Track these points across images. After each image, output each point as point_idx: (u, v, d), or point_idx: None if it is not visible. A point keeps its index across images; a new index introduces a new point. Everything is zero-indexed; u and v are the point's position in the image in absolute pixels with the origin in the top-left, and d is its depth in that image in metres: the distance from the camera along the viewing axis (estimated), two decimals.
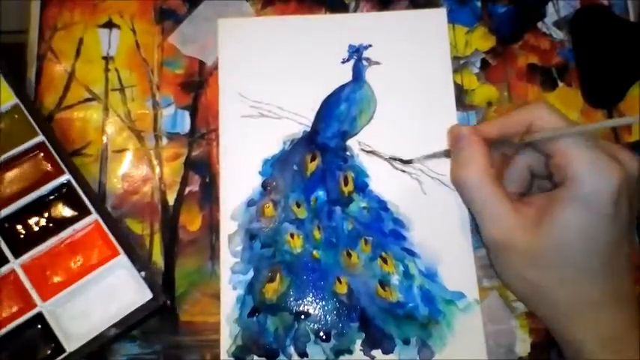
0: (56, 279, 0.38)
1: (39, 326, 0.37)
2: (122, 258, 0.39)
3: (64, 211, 0.40)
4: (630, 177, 0.32)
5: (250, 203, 0.41)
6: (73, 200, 0.40)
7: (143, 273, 0.39)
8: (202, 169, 0.43)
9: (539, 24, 0.46)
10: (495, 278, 0.40)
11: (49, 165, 0.41)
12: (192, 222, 0.41)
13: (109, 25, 0.45)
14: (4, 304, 0.38)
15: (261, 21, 0.45)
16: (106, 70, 0.44)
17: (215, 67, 0.44)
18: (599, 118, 0.44)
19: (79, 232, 0.39)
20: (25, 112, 0.41)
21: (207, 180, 0.42)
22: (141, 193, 0.42)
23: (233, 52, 0.44)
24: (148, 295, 0.38)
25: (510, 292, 0.38)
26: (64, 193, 0.40)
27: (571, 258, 0.32)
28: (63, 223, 0.40)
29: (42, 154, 0.41)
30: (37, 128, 0.41)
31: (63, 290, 0.38)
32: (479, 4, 0.46)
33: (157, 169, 0.43)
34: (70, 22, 0.45)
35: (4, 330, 0.37)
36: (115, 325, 0.37)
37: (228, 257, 0.40)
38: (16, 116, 0.41)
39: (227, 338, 0.39)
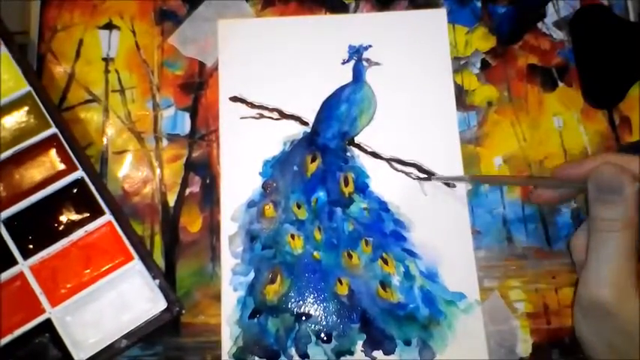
0: (66, 284, 0.36)
1: (47, 334, 0.36)
2: (136, 263, 0.37)
3: (76, 210, 0.38)
4: None
5: (251, 204, 0.41)
6: (85, 199, 0.38)
7: (158, 281, 0.37)
8: (203, 171, 0.42)
9: (539, 24, 0.46)
10: (496, 278, 0.40)
11: (62, 160, 0.38)
12: (192, 223, 0.41)
13: (109, 26, 0.45)
14: (10, 308, 0.35)
15: (261, 22, 0.45)
16: (106, 71, 0.44)
17: (215, 68, 0.44)
18: (600, 118, 0.44)
19: (92, 233, 0.37)
20: (38, 101, 0.39)
21: (208, 181, 0.42)
22: (141, 194, 0.42)
23: (233, 53, 0.44)
24: (162, 305, 0.36)
25: (587, 354, 0.35)
26: (77, 192, 0.38)
27: None
28: (74, 224, 0.37)
29: (54, 149, 0.39)
30: (49, 119, 0.38)
31: (73, 296, 0.36)
32: (479, 4, 0.46)
33: (158, 171, 0.43)
34: (69, 24, 0.45)
35: (9, 337, 0.35)
36: (126, 337, 0.36)
37: (229, 258, 0.40)
38: (27, 106, 0.39)
39: (228, 340, 0.39)
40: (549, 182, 0.38)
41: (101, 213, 0.38)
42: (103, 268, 0.37)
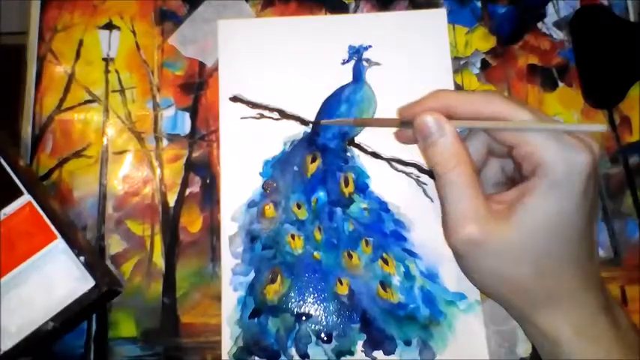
0: None
1: None
2: (59, 242, 0.36)
3: None
4: (596, 160, 0.31)
5: (251, 204, 0.41)
6: (1, 180, 0.36)
7: (82, 258, 0.35)
8: (203, 171, 0.43)
9: (539, 24, 0.46)
10: None
11: None
12: (192, 223, 0.41)
13: (109, 26, 0.45)
14: None
15: (262, 22, 0.45)
16: (106, 71, 0.44)
17: (215, 69, 0.44)
18: (600, 118, 0.44)
19: (11, 216, 0.36)
20: None
21: (208, 181, 0.42)
22: (141, 194, 0.42)
23: (233, 53, 0.44)
24: (90, 283, 0.35)
25: (483, 292, 0.37)
26: None
27: (546, 247, 0.31)
28: None
29: None
30: None
31: None
32: (479, 4, 0.46)
33: (158, 171, 0.43)
34: (70, 24, 0.45)
35: None
36: (53, 319, 0.34)
37: (229, 258, 0.40)
38: None
39: (228, 340, 0.39)
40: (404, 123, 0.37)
41: (19, 194, 0.36)
42: (26, 250, 0.35)
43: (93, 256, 0.36)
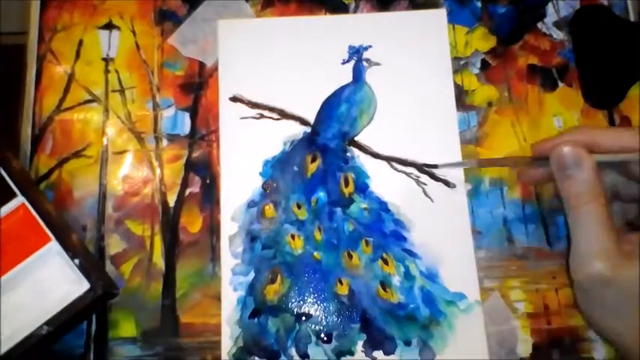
0: None
1: None
2: (54, 245, 0.35)
3: None
4: None
5: (251, 204, 0.41)
6: None
7: (77, 260, 0.35)
8: (203, 171, 0.42)
9: (539, 24, 0.46)
10: (496, 279, 0.40)
11: None
12: (192, 223, 0.41)
13: (109, 26, 0.45)
14: None
15: (261, 22, 0.45)
16: (106, 71, 0.44)
17: (215, 68, 0.44)
18: (600, 118, 0.44)
19: (4, 218, 0.35)
20: None
21: (208, 181, 0.42)
22: (141, 194, 0.42)
23: (233, 53, 0.44)
24: (85, 286, 0.35)
25: (597, 328, 0.35)
26: None
27: None
28: None
29: None
30: None
31: None
32: (479, 4, 0.46)
33: (158, 171, 0.43)
34: (69, 24, 0.45)
35: None
36: (47, 323, 0.34)
37: (229, 258, 0.40)
38: None
39: (228, 340, 0.39)
40: (541, 162, 0.36)
41: (13, 195, 0.36)
42: (19, 253, 0.35)
43: (88, 259, 0.36)
